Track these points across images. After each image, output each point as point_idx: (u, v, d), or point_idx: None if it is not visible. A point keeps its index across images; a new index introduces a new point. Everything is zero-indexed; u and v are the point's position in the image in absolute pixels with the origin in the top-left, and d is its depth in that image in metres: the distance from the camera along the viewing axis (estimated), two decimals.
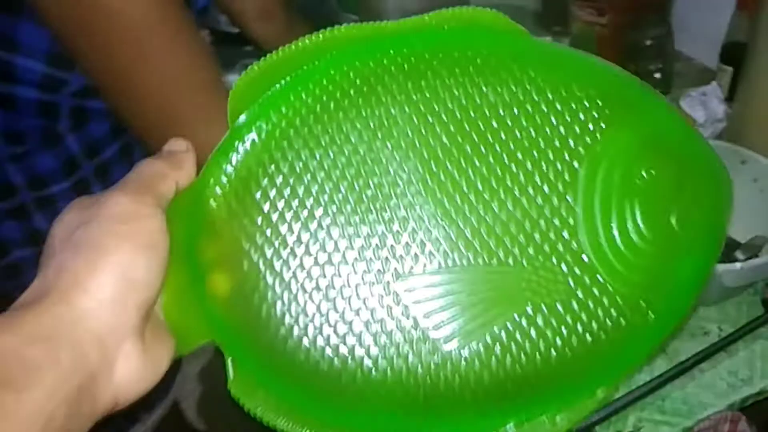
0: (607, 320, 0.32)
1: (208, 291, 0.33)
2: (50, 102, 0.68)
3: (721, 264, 0.62)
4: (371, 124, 0.34)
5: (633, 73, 0.35)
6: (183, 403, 1.08)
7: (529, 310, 0.32)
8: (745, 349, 0.69)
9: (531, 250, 0.33)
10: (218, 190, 0.34)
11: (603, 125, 0.33)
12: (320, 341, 0.33)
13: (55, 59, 0.64)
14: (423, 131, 0.33)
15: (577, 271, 0.32)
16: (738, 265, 0.64)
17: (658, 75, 1.03)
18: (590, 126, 0.33)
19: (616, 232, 0.33)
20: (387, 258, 0.33)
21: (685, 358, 0.65)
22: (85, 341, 0.27)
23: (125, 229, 0.29)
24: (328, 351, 0.33)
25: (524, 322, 0.32)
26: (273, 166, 0.34)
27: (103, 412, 0.28)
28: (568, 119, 0.33)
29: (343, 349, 0.33)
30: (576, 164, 0.33)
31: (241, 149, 0.34)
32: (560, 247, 0.33)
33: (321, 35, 0.35)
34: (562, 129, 0.33)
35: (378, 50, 0.35)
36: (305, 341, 0.33)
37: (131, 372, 0.29)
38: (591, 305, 0.32)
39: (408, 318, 0.33)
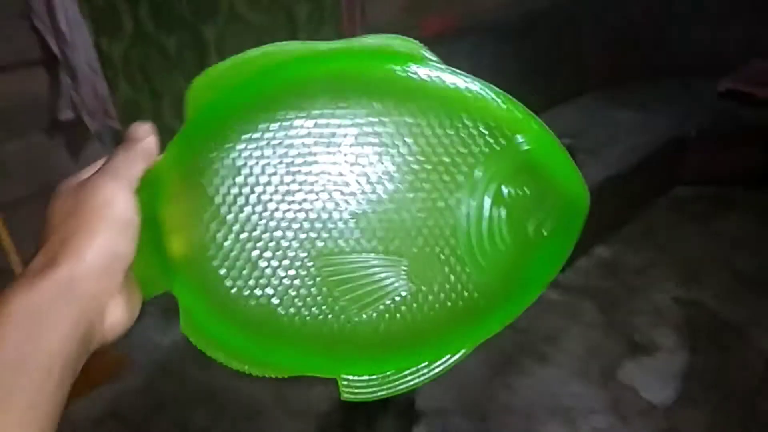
0: (470, 301, 0.42)
1: (166, 252, 0.43)
2: None
3: None
4: (300, 130, 0.42)
5: None
6: None
7: (413, 289, 0.42)
8: None
9: (420, 243, 0.42)
10: (174, 172, 0.42)
11: (486, 150, 0.42)
12: (254, 295, 0.42)
13: None
14: (338, 142, 0.42)
15: (452, 261, 0.42)
16: None
17: None
18: (474, 150, 0.42)
19: (485, 235, 0.42)
20: (310, 238, 0.42)
21: None
22: (86, 298, 0.37)
23: (109, 213, 0.38)
24: (261, 302, 0.43)
25: (408, 298, 0.42)
26: (219, 156, 0.42)
27: (95, 349, 0.38)
28: (457, 143, 0.41)
29: (273, 302, 0.43)
30: (461, 179, 0.42)
31: (195, 137, 0.43)
32: (441, 242, 0.42)
33: (265, 49, 0.42)
34: (452, 150, 0.42)
35: (306, 67, 0.42)
36: (243, 296, 0.43)
37: (117, 318, 0.39)
38: (459, 289, 0.42)
39: (323, 287, 0.42)
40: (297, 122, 0.42)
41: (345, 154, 0.42)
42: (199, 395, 1.86)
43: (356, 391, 0.43)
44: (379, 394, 0.43)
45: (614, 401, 1.84)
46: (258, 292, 0.42)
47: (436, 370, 0.44)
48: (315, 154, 0.42)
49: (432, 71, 0.42)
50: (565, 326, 2.12)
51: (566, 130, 2.46)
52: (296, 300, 0.42)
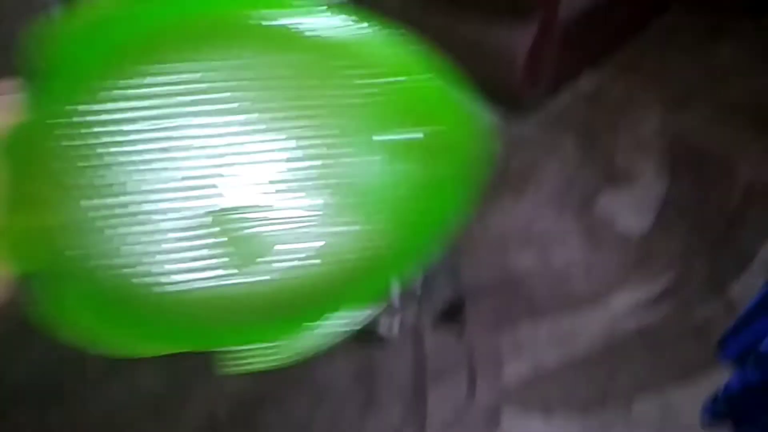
0: (368, 252, 0.39)
1: (14, 230, 0.37)
2: None
3: None
4: (159, 88, 0.37)
5: None
6: None
7: (304, 246, 0.39)
8: None
9: (307, 197, 0.38)
10: (22, 136, 0.37)
11: (369, 97, 0.39)
12: (113, 268, 0.38)
13: None
14: (203, 97, 0.37)
15: (345, 214, 0.39)
16: None
17: None
18: (355, 99, 0.38)
19: (375, 183, 0.39)
20: (180, 198, 0.38)
21: None
22: None
23: None
24: (120, 275, 0.38)
25: (301, 255, 0.39)
26: (71, 117, 0.37)
27: None
28: (337, 92, 0.38)
29: (136, 272, 0.38)
30: (345, 127, 0.38)
31: (44, 96, 0.37)
32: (327, 194, 0.39)
33: None
34: (332, 99, 0.38)
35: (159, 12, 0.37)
36: (109, 272, 0.38)
37: None
38: (355, 241, 0.39)
39: (203, 249, 0.38)
40: (150, 78, 0.37)
41: (213, 109, 0.37)
42: None
43: (248, 361, 0.39)
44: (272, 360, 0.40)
45: (589, 231, 1.84)
46: (118, 262, 0.38)
47: (320, 337, 0.40)
48: (178, 111, 0.37)
49: (307, 15, 0.38)
50: (543, 161, 2.08)
51: None
52: (165, 265, 0.38)
